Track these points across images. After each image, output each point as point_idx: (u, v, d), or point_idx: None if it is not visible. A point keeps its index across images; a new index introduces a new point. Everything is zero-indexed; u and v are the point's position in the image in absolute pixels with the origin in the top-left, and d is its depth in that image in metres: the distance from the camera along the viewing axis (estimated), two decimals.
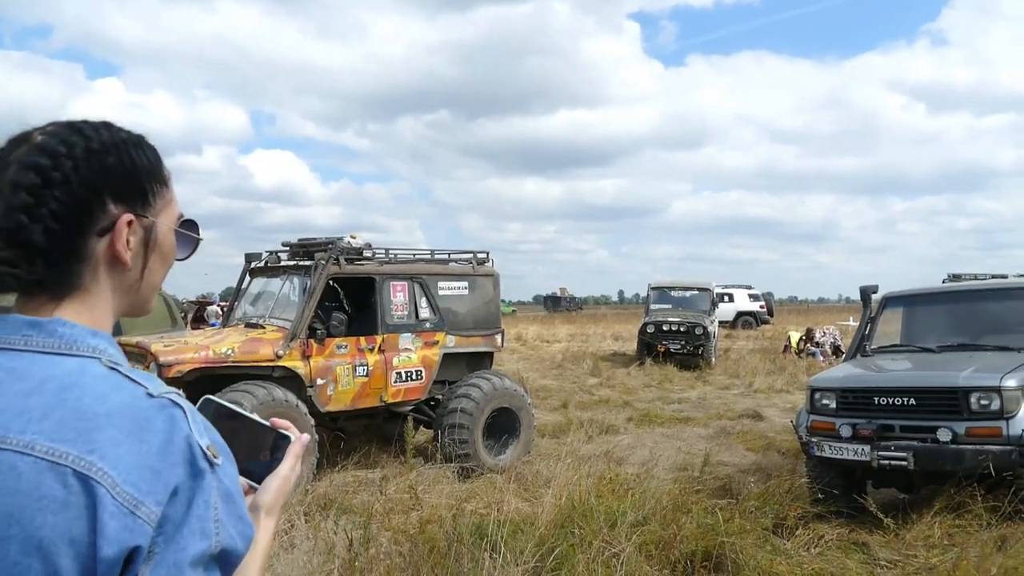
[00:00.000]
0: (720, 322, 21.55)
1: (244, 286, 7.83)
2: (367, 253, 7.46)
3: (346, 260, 7.14)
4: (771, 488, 5.99)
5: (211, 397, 1.04)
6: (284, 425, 1.05)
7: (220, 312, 25.74)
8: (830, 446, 5.95)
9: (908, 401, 5.74)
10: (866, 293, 7.54)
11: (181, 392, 0.89)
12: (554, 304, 58.05)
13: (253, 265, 7.72)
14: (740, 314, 31.03)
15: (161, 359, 5.93)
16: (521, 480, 6.89)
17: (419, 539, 4.52)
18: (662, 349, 17.39)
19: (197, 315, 23.20)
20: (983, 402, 5.45)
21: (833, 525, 5.57)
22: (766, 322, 31.68)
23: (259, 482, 1.02)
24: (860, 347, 7.23)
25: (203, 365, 6.09)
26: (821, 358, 18.30)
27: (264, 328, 6.86)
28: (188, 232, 1.02)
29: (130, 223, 0.92)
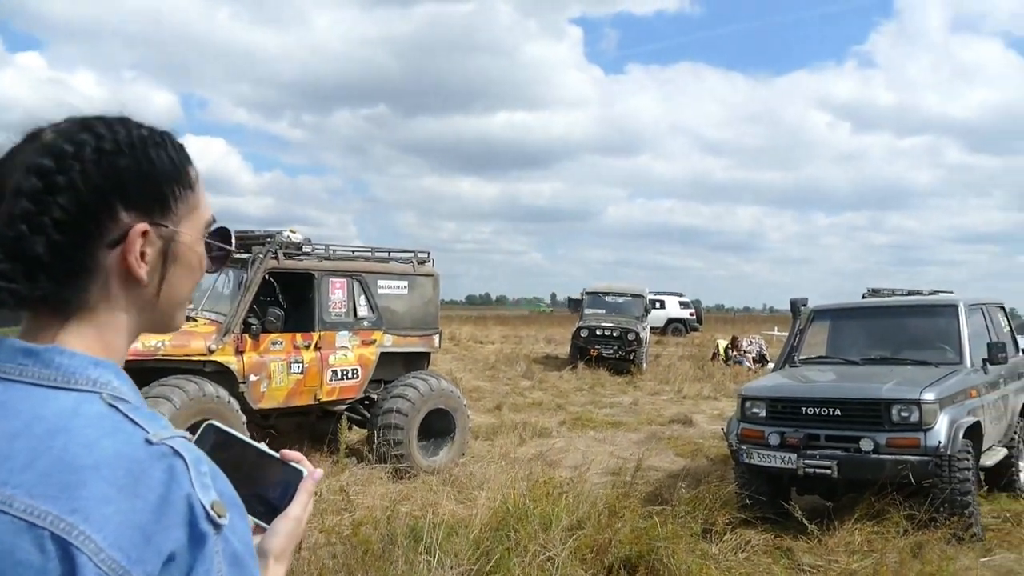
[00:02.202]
0: (651, 328, 21.93)
1: None
2: (306, 248, 7.33)
3: (285, 255, 7.00)
4: (701, 494, 6.12)
5: (214, 423, 0.94)
6: (295, 458, 0.95)
7: None
8: (759, 454, 6.12)
9: (834, 411, 5.96)
10: (796, 305, 7.79)
11: (188, 436, 0.80)
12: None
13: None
14: (670, 321, 31.62)
15: None
16: (455, 482, 6.87)
17: (352, 541, 4.46)
18: (595, 353, 17.59)
19: None
20: (903, 414, 5.69)
21: (760, 531, 5.75)
22: (695, 329, 32.36)
23: (266, 519, 0.91)
24: (789, 357, 7.46)
25: (131, 358, 5.81)
26: (747, 366, 18.81)
27: (196, 321, 6.66)
28: (217, 242, 0.92)
29: (145, 233, 0.82)
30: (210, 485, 0.76)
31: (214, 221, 0.91)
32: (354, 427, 7.97)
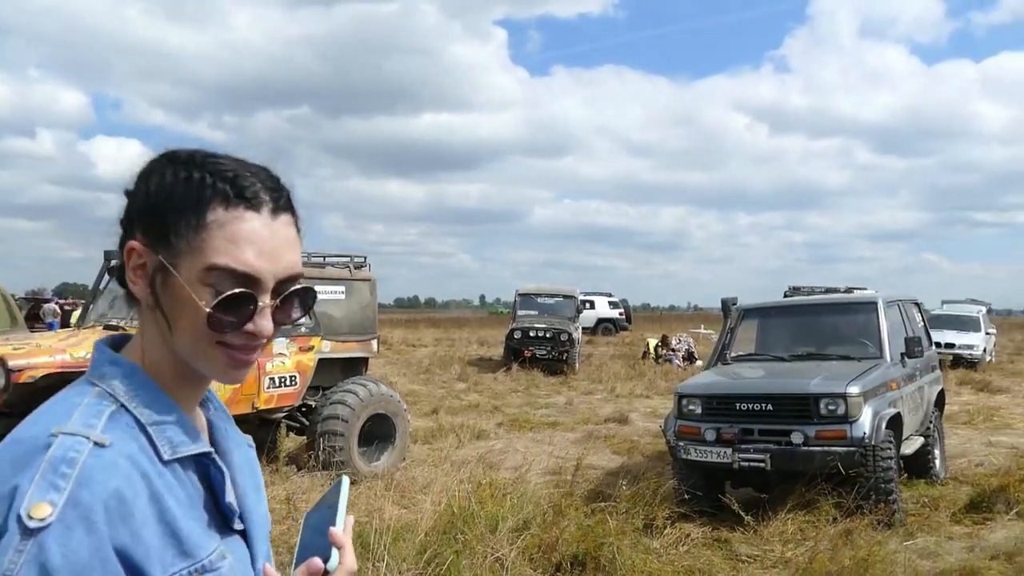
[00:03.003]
0: (581, 328, 22.21)
1: (102, 286, 7.33)
2: None
3: None
4: (640, 490, 6.27)
5: (345, 479, 1.00)
6: (336, 541, 0.94)
7: (58, 311, 23.84)
8: (696, 449, 6.31)
9: (766, 407, 6.19)
10: (727, 305, 8.06)
11: (100, 440, 0.79)
12: None
13: (113, 263, 7.21)
14: (600, 321, 32.10)
15: (10, 363, 5.45)
16: (398, 487, 6.85)
17: None
18: (528, 354, 17.73)
19: (32, 313, 21.38)
20: (830, 407, 5.96)
21: (698, 524, 5.92)
22: (624, 328, 32.95)
23: None
24: (721, 355, 7.71)
25: (60, 370, 5.63)
26: (677, 364, 19.26)
27: (126, 331, 6.45)
28: (204, 297, 0.84)
29: (132, 250, 0.87)
30: (60, 487, 0.76)
31: (223, 271, 0.84)
32: (291, 435, 7.86)
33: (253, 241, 0.85)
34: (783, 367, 7.06)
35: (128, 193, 0.91)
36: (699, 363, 19.39)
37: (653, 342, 21.15)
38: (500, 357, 19.65)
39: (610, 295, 34.05)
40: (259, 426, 7.54)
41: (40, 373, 5.56)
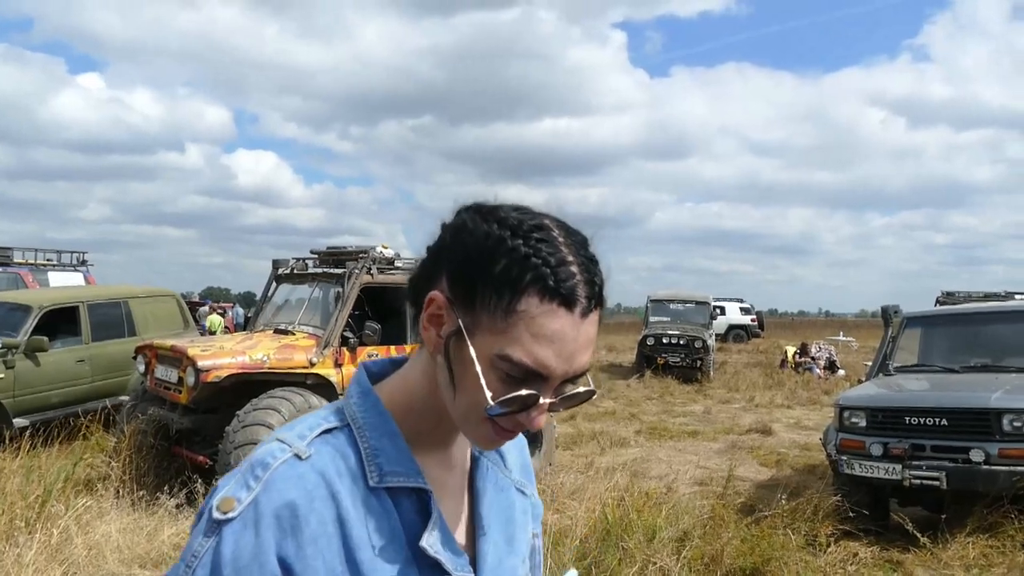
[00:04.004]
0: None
1: (271, 292, 7.80)
2: (397, 263, 7.47)
3: (378, 270, 7.15)
4: (800, 505, 6.05)
5: (572, 573, 1.07)
6: None
7: (210, 313, 25.53)
8: (860, 464, 6.03)
9: (940, 421, 5.83)
10: (887, 313, 7.66)
11: (300, 451, 0.82)
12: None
13: (280, 271, 7.70)
14: (732, 327, 31.21)
15: (199, 363, 5.90)
16: (548, 491, 6.91)
17: None
18: (662, 362, 17.47)
19: None
20: (1016, 424, 5.54)
21: (864, 543, 5.66)
22: (757, 336, 31.89)
23: None
24: (883, 366, 7.33)
25: (240, 371, 6.06)
26: (817, 373, 18.46)
27: (295, 335, 6.85)
28: (483, 381, 0.80)
29: (432, 300, 0.83)
30: (250, 487, 0.80)
31: (517, 364, 0.80)
32: None
33: (556, 342, 0.79)
34: (955, 379, 6.63)
35: (443, 230, 0.87)
36: (841, 372, 18.50)
37: (791, 350, 20.36)
38: (630, 363, 19.47)
39: (741, 300, 33.05)
40: None
41: (224, 373, 5.99)
